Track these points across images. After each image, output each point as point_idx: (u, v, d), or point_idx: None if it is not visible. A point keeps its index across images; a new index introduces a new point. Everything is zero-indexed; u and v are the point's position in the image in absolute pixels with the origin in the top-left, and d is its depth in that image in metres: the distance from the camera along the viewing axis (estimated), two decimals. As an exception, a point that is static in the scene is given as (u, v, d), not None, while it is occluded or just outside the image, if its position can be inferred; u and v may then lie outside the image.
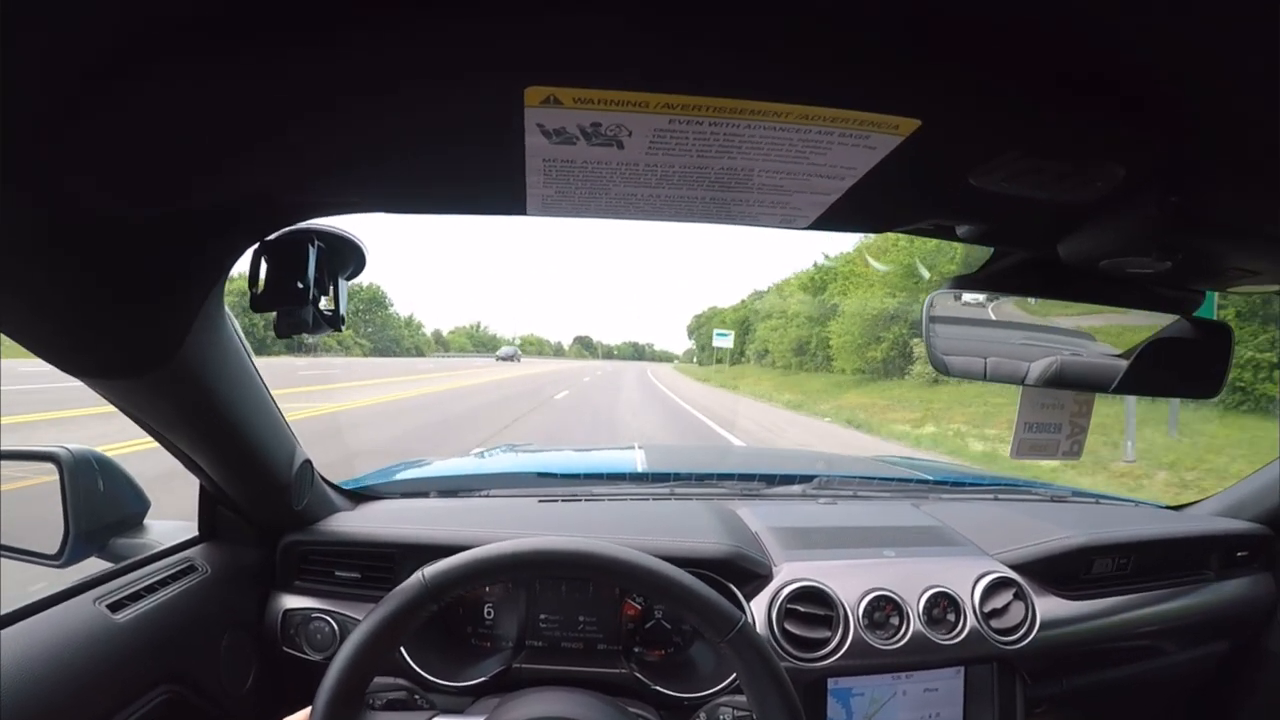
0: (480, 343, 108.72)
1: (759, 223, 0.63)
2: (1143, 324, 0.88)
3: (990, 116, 0.44)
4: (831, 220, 0.63)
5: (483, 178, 0.56)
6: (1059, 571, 1.14)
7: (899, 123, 0.43)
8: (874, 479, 1.54)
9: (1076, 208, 0.57)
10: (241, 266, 0.68)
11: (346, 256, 0.72)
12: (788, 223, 0.63)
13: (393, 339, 64.59)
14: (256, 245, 0.66)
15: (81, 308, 0.57)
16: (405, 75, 0.39)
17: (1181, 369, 0.86)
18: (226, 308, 0.73)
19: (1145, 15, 0.34)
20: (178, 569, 0.91)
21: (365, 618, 0.66)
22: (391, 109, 0.44)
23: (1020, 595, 1.08)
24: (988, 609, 1.05)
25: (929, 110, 0.42)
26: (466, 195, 0.62)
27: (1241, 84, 0.40)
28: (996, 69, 0.38)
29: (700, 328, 71.13)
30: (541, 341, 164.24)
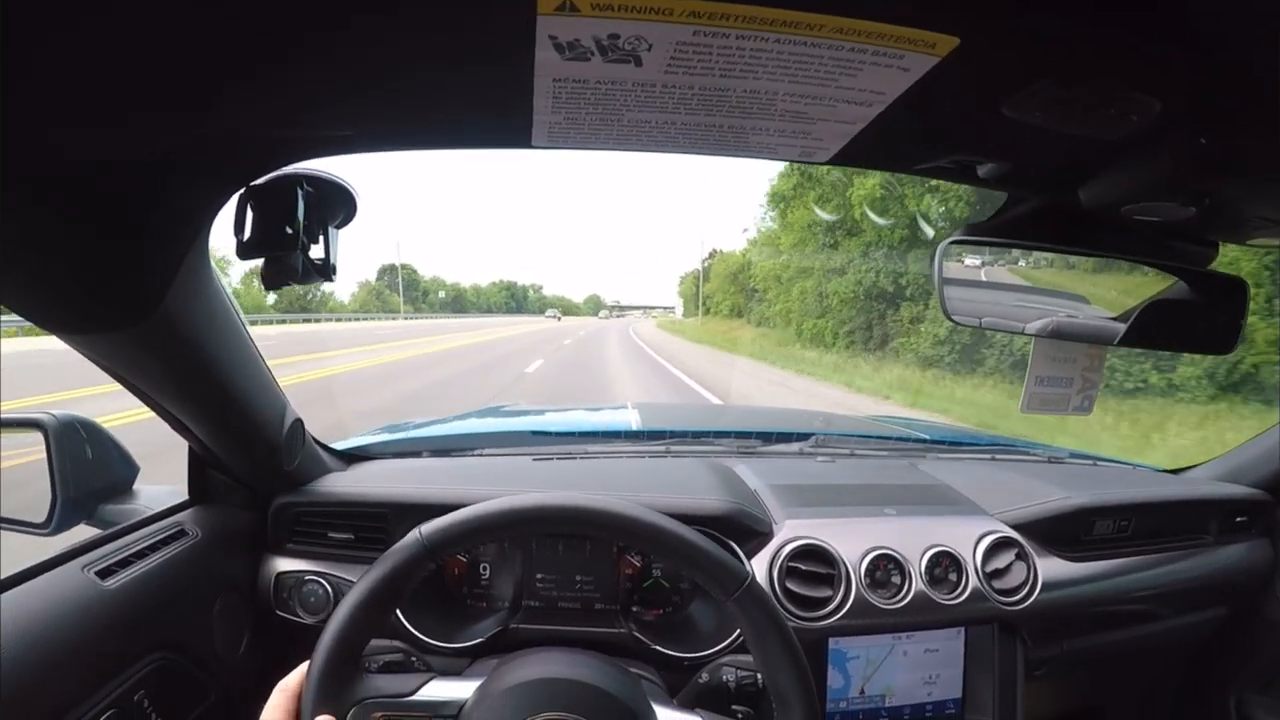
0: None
1: (778, 155, 0.61)
2: (1153, 276, 0.86)
3: (1029, 38, 0.42)
4: (853, 154, 0.60)
5: (487, 105, 0.53)
6: (1060, 532, 1.14)
7: (936, 40, 0.41)
8: (871, 437, 1.54)
9: (1105, 146, 0.56)
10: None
11: (336, 203, 0.69)
12: (808, 155, 0.61)
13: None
14: (242, 191, 0.63)
15: (57, 258, 0.55)
16: None
17: (1193, 324, 0.85)
18: (212, 261, 0.70)
19: None
20: (167, 534, 0.89)
21: (361, 577, 0.65)
22: (391, 26, 0.41)
23: (1022, 555, 1.07)
24: (990, 569, 1.05)
25: (969, 27, 0.40)
26: (468, 126, 0.59)
27: None
28: None
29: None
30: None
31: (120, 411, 3.14)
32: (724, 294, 35.43)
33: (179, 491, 1.00)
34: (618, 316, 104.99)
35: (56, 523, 0.92)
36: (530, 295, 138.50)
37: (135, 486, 1.03)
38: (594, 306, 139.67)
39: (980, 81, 0.48)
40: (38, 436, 0.92)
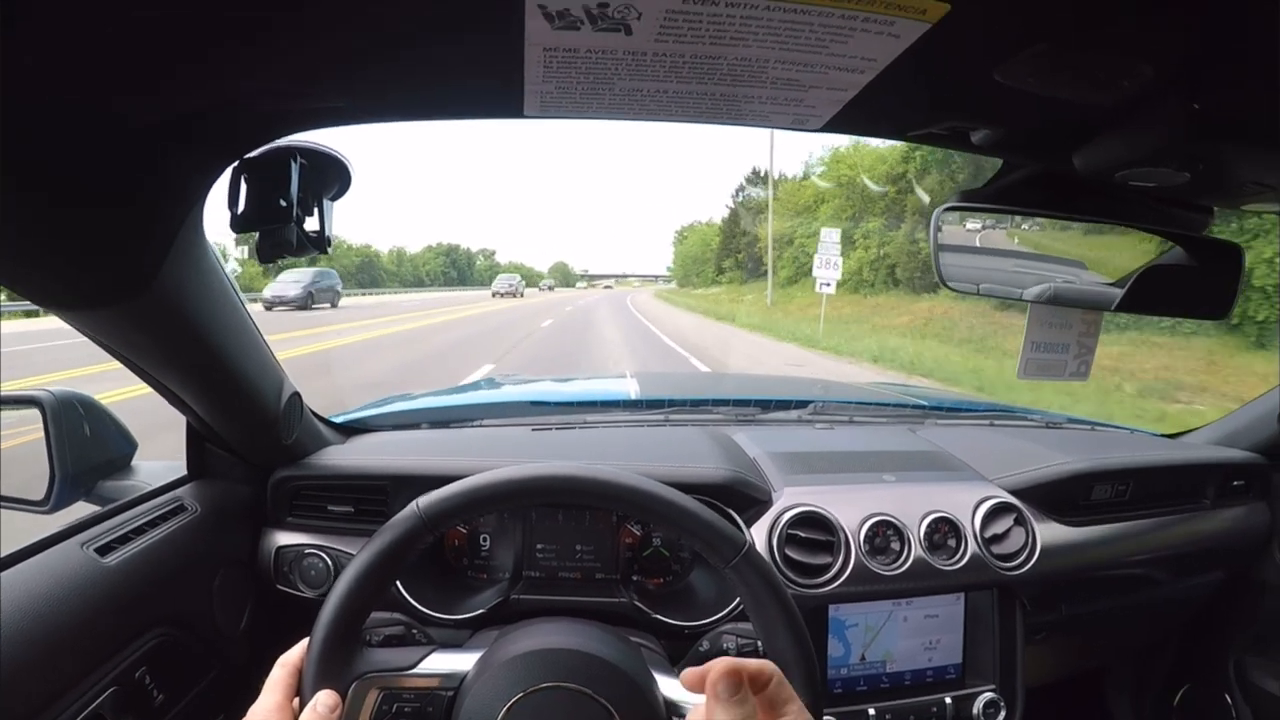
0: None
1: (770, 122, 0.61)
2: (1149, 242, 0.86)
3: (1021, 3, 0.42)
4: (846, 122, 0.60)
5: (479, 75, 0.53)
6: (1059, 497, 1.14)
7: (928, 6, 0.40)
8: (870, 404, 1.54)
9: (1098, 113, 0.55)
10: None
11: (330, 175, 0.69)
12: (800, 123, 0.60)
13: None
14: (236, 164, 0.62)
15: (50, 232, 0.54)
16: None
17: (1190, 289, 0.85)
18: (207, 235, 0.70)
19: None
20: (166, 509, 0.89)
21: (360, 551, 0.64)
22: None
23: (1021, 521, 1.08)
24: (988, 534, 1.05)
25: None
26: (461, 96, 0.58)
27: None
28: None
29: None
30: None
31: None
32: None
33: (178, 467, 0.99)
34: (547, 290, 72.51)
35: (55, 500, 0.92)
36: (479, 263, 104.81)
37: (134, 462, 1.03)
38: (561, 276, 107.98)
39: (972, 48, 0.47)
40: (35, 416, 0.92)
